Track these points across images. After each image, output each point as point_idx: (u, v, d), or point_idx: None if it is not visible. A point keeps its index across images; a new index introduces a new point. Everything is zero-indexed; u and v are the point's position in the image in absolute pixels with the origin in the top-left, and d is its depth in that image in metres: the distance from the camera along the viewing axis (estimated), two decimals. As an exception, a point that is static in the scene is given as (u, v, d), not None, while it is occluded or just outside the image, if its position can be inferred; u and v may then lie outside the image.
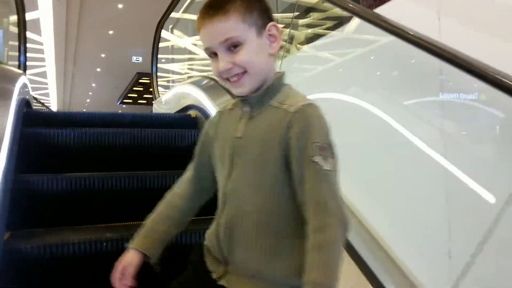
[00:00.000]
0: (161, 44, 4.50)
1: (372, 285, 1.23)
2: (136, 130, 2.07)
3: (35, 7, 8.22)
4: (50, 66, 11.99)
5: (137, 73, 15.72)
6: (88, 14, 10.50)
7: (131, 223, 1.59)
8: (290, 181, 0.84)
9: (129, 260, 0.96)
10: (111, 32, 12.28)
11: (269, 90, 0.89)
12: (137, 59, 14.04)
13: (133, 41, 11.94)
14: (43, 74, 12.64)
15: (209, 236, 0.95)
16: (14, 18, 3.27)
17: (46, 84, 14.04)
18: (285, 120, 0.83)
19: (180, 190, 1.04)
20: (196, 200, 1.03)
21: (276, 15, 2.78)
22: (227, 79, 0.88)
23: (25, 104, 2.20)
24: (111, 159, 1.99)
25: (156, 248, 0.99)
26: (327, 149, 0.81)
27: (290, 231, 0.85)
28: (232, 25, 0.84)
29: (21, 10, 3.15)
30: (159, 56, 4.53)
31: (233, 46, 0.85)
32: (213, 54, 0.87)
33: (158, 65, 4.56)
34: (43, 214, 1.59)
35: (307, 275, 0.76)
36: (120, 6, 10.59)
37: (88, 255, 1.37)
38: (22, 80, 2.25)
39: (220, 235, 0.90)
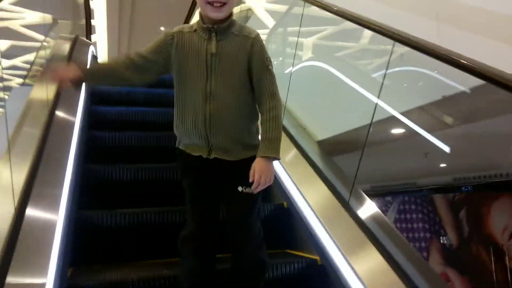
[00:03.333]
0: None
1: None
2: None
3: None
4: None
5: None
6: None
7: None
8: (249, 83, 1.29)
9: (72, 67, 1.26)
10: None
11: (231, 23, 1.30)
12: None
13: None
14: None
15: (189, 132, 1.28)
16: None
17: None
18: (248, 42, 1.29)
19: (128, 61, 1.29)
20: (131, 77, 1.30)
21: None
22: (212, 3, 1.22)
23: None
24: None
25: (89, 75, 1.33)
26: (270, 60, 1.31)
27: (253, 115, 1.33)
28: None
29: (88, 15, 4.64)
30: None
31: None
32: None
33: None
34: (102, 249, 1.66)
35: (265, 134, 1.25)
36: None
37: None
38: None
39: (207, 123, 1.26)
